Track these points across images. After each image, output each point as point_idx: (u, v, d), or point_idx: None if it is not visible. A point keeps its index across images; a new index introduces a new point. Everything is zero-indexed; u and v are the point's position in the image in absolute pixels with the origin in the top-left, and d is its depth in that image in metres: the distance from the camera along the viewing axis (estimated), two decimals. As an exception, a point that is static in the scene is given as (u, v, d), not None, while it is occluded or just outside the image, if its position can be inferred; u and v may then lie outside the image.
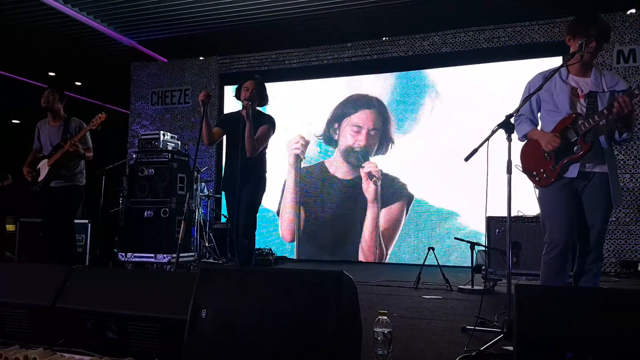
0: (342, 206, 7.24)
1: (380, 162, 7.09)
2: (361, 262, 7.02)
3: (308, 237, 7.39)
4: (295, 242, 7.43)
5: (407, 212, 6.93)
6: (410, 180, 6.97)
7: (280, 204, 7.54)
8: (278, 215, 7.53)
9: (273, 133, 3.55)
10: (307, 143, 7.51)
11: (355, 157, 7.19)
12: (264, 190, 3.54)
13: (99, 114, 3.99)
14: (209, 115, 3.47)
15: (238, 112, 3.56)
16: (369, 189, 7.07)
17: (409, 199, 6.95)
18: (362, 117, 7.24)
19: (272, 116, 3.58)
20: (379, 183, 7.00)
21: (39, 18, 6.78)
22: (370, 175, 7.04)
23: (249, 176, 3.39)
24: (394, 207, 6.97)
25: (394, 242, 6.94)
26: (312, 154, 7.50)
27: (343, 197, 7.25)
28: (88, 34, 7.32)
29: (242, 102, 3.45)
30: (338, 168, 7.32)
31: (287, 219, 7.49)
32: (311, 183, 7.43)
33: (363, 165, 7.14)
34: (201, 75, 8.27)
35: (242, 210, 3.40)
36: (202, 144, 3.49)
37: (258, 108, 3.56)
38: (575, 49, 2.47)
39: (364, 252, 7.07)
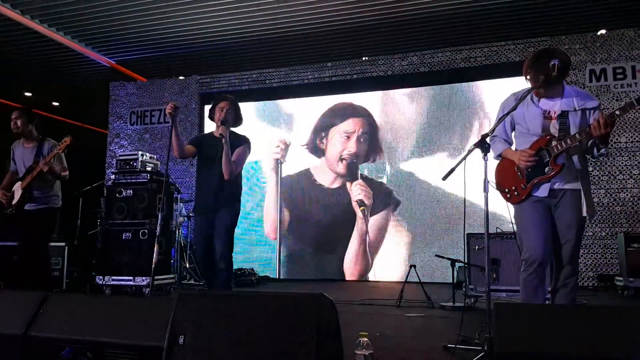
0: (327, 216, 7.22)
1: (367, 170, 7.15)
2: (345, 280, 6.99)
3: (293, 236, 7.38)
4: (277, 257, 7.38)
5: (391, 220, 6.96)
6: (396, 187, 7.04)
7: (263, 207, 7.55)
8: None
9: (249, 153, 3.55)
10: (287, 146, 7.52)
11: (345, 166, 7.19)
12: (239, 211, 3.51)
13: (65, 138, 3.94)
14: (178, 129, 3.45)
15: (212, 134, 3.52)
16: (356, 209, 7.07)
17: (394, 205, 6.97)
18: (350, 125, 7.28)
19: (247, 137, 3.57)
20: (367, 212, 6.98)
21: (16, 38, 6.72)
22: (360, 202, 7.00)
23: (225, 199, 3.34)
24: (380, 217, 6.99)
25: (379, 255, 6.95)
26: (295, 160, 7.53)
27: (328, 206, 7.20)
28: (66, 53, 7.27)
29: (217, 122, 3.43)
30: (324, 175, 7.31)
31: (271, 220, 7.49)
32: (296, 190, 7.43)
33: (351, 186, 7.12)
34: (181, 95, 8.25)
35: (219, 233, 3.32)
36: (173, 156, 3.43)
37: (232, 129, 3.53)
38: (534, 83, 2.53)
39: (350, 268, 7.05)
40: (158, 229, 3.26)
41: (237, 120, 3.54)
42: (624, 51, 6.34)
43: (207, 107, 8.12)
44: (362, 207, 6.94)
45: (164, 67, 7.86)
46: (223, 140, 3.30)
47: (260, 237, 7.50)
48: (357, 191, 7.05)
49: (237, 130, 3.60)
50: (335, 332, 1.90)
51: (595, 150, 2.51)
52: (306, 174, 7.40)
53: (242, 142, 3.48)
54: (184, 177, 7.99)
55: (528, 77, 2.58)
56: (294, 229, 7.38)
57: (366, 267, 6.95)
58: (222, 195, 3.33)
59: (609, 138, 2.48)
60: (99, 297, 3.56)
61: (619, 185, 6.17)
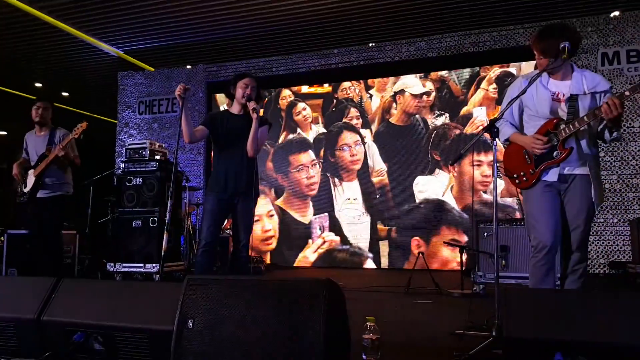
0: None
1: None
2: (352, 267, 7.01)
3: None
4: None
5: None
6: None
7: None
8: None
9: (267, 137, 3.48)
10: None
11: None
12: (259, 194, 3.45)
13: (80, 124, 3.97)
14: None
15: (228, 112, 3.40)
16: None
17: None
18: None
19: (266, 117, 3.47)
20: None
21: (26, 29, 6.74)
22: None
23: (250, 182, 3.21)
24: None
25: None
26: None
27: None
28: (74, 44, 7.28)
29: (239, 99, 3.29)
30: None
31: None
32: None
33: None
34: (189, 84, 8.23)
35: (244, 219, 3.22)
36: (183, 141, 3.28)
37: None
38: (545, 63, 2.49)
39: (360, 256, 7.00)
40: (167, 216, 3.19)
41: (258, 98, 3.38)
42: (639, 33, 6.20)
43: (215, 96, 8.20)
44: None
45: (173, 56, 7.86)
46: (255, 115, 3.14)
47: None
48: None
49: None
50: (343, 317, 1.91)
51: (607, 133, 2.46)
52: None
53: (265, 122, 3.35)
54: (192, 165, 8.02)
55: (539, 55, 2.54)
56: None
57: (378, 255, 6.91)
58: (248, 178, 3.20)
59: (621, 121, 2.43)
60: (109, 282, 3.61)
61: (632, 171, 6.09)
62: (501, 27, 6.76)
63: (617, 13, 6.29)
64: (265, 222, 7.34)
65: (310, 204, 7.11)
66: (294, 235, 7.16)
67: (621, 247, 6.03)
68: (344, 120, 7.05)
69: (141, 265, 5.13)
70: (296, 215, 7.02)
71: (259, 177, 3.46)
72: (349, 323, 1.95)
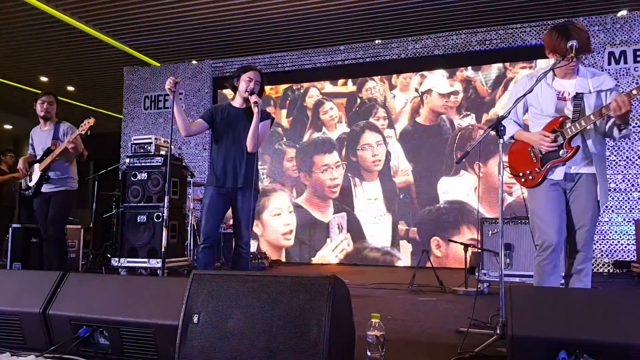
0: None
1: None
2: (357, 264, 7.02)
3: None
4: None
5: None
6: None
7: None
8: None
9: (269, 131, 3.42)
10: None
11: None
12: (260, 190, 3.41)
13: (87, 119, 3.98)
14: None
15: (230, 105, 3.33)
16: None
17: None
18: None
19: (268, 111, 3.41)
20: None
21: (32, 23, 6.76)
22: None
23: (249, 178, 3.16)
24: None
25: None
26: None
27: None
28: (80, 38, 7.30)
29: (242, 93, 3.23)
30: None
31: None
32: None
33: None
34: (194, 79, 8.26)
35: (244, 216, 3.16)
36: (178, 134, 3.29)
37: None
38: (555, 59, 2.47)
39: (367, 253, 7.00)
40: (165, 212, 3.14)
41: (261, 92, 3.32)
42: (646, 33, 6.17)
43: (220, 92, 8.19)
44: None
45: (179, 51, 7.86)
46: (255, 110, 3.09)
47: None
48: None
49: None
50: (348, 313, 1.91)
51: (616, 130, 2.45)
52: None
53: (267, 117, 3.28)
54: (197, 161, 8.04)
55: (551, 54, 2.52)
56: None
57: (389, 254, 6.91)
58: (247, 173, 3.15)
59: (629, 117, 2.41)
60: (115, 277, 3.62)
61: (638, 171, 6.06)
62: (508, 25, 6.73)
63: (624, 12, 6.25)
64: (286, 217, 7.31)
65: (331, 202, 7.08)
66: (312, 233, 7.14)
67: (626, 247, 6.01)
68: (371, 119, 6.93)
69: (146, 260, 5.15)
70: (316, 214, 7.00)
71: (259, 173, 3.45)
72: (353, 319, 1.96)
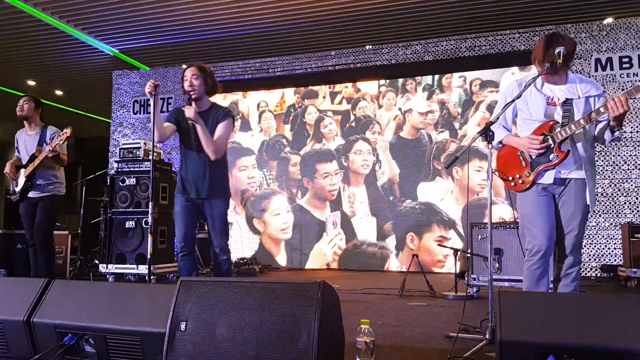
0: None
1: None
2: (347, 269, 7.02)
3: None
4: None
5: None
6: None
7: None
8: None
9: (234, 127, 3.28)
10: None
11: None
12: (230, 195, 3.25)
13: (65, 129, 3.93)
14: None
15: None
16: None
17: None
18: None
19: (229, 108, 3.25)
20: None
21: (19, 26, 6.69)
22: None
23: (216, 185, 3.05)
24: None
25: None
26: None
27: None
28: (69, 42, 7.24)
29: (185, 95, 3.07)
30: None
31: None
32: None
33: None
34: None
35: (215, 224, 3.07)
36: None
37: (211, 99, 3.16)
38: (541, 68, 2.49)
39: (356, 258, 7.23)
40: (150, 218, 3.05)
41: (211, 88, 3.10)
42: (631, 40, 6.26)
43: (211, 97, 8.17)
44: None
45: (169, 55, 7.83)
46: (193, 118, 2.94)
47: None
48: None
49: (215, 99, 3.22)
50: (337, 319, 1.90)
51: (608, 133, 2.46)
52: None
53: (226, 116, 3.08)
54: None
55: (537, 63, 2.54)
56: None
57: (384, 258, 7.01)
58: (213, 181, 3.04)
59: (624, 119, 2.41)
60: (101, 283, 3.58)
61: (623, 176, 6.13)
62: (497, 32, 6.80)
63: (610, 20, 6.35)
64: (284, 216, 7.71)
65: (328, 204, 7.54)
66: (310, 228, 7.58)
67: (612, 251, 6.07)
68: (365, 133, 7.49)
69: (134, 266, 5.10)
70: (315, 213, 7.56)
71: (228, 179, 3.24)
72: (343, 325, 1.95)
